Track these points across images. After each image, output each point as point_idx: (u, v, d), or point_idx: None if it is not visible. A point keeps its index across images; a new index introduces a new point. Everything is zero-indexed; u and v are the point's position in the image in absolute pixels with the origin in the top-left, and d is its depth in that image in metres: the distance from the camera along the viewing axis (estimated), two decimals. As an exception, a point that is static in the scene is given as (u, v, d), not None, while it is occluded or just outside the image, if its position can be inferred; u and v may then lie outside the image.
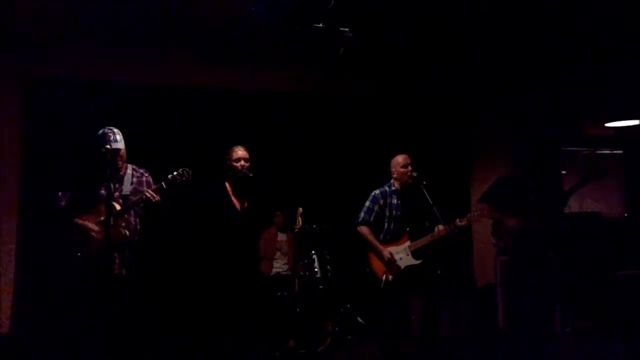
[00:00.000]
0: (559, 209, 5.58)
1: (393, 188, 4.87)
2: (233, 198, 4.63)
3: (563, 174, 7.17)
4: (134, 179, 4.17)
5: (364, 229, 4.85)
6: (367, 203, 4.88)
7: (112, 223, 3.81)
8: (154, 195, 3.99)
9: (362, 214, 4.88)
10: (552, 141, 7.18)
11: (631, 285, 6.16)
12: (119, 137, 4.03)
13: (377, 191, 4.88)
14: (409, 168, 4.76)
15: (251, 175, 4.56)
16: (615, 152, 8.01)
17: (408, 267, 4.71)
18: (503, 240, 5.50)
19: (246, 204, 4.64)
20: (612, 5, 4.90)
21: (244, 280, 4.64)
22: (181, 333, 5.25)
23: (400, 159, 4.85)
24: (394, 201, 4.82)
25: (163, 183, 4.08)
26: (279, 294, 5.69)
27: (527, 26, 5.34)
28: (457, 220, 4.69)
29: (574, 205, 7.06)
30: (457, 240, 4.87)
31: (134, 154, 4.53)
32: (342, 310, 5.72)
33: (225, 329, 4.50)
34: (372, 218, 4.84)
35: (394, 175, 4.87)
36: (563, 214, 5.75)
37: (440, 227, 4.61)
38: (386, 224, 4.82)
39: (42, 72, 5.57)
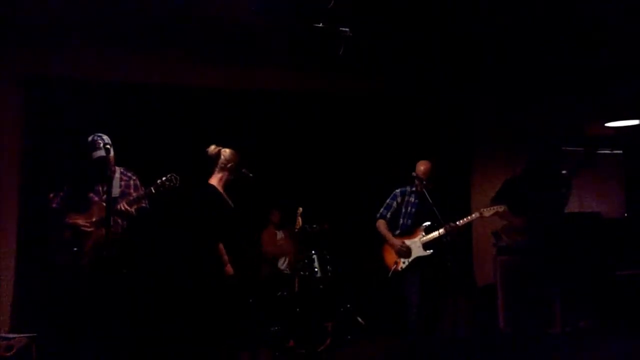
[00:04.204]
0: (560, 208, 5.60)
1: (414, 188, 5.07)
2: (228, 198, 4.64)
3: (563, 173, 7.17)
4: (122, 182, 4.26)
5: (380, 223, 5.12)
6: (388, 199, 5.16)
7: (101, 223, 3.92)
8: (128, 209, 4.11)
9: (381, 210, 5.15)
10: (552, 141, 7.19)
11: (631, 285, 6.17)
12: (107, 145, 4.08)
13: (398, 190, 5.14)
14: (423, 183, 4.90)
15: (251, 175, 4.57)
16: (615, 152, 8.01)
17: (418, 258, 4.91)
18: (510, 238, 5.53)
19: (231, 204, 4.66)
20: (611, 5, 4.91)
21: (246, 280, 4.66)
22: (181, 333, 5.24)
23: (421, 167, 4.98)
24: (412, 199, 5.06)
25: (152, 188, 4.14)
26: (279, 294, 5.69)
27: (526, 26, 5.34)
28: (458, 221, 4.87)
29: (574, 205, 7.08)
30: (458, 239, 4.99)
31: (133, 154, 4.55)
32: (342, 310, 5.73)
33: (226, 330, 4.50)
34: (389, 214, 5.11)
35: (415, 178, 5.04)
36: (564, 213, 5.77)
37: (446, 226, 4.82)
38: (401, 219, 5.07)
39: (42, 72, 5.57)
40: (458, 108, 6.96)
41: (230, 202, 4.53)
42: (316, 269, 5.75)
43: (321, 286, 5.70)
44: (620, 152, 8.02)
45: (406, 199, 5.07)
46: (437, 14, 5.04)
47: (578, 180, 6.67)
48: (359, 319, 5.78)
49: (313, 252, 5.83)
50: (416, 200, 5.04)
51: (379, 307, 5.91)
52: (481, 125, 7.13)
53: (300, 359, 5.27)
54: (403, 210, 5.07)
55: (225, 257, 4.31)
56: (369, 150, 6.46)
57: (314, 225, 5.81)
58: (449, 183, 6.28)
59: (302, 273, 5.70)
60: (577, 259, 5.98)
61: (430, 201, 4.78)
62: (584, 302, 6.12)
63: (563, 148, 7.43)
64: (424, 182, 4.90)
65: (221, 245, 4.32)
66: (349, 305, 5.78)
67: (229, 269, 4.31)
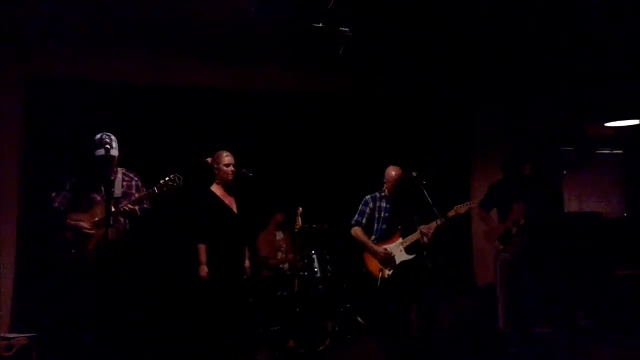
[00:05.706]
0: (558, 207, 5.60)
1: (383, 194, 5.21)
2: (225, 200, 4.67)
3: (563, 174, 7.17)
4: (125, 183, 4.27)
5: (356, 230, 5.21)
6: (360, 206, 5.25)
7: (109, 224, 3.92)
8: (133, 208, 4.11)
9: (355, 216, 5.24)
10: (552, 141, 7.18)
11: (631, 285, 6.17)
12: (114, 144, 4.09)
13: (368, 196, 5.24)
14: (396, 190, 5.06)
15: (251, 175, 4.60)
16: (615, 152, 8.01)
17: (403, 263, 4.99)
18: (511, 248, 5.43)
19: (234, 206, 4.68)
20: (611, 5, 4.91)
21: (246, 281, 4.69)
22: (181, 333, 5.25)
23: (392, 173, 5.11)
24: (383, 204, 5.17)
25: (155, 188, 4.14)
26: (279, 294, 5.68)
27: (526, 26, 5.34)
28: (447, 213, 4.95)
29: (574, 205, 7.08)
30: (452, 234, 5.19)
31: (133, 154, 4.54)
32: (342, 310, 5.72)
33: (226, 330, 4.51)
34: (364, 220, 5.20)
35: (385, 184, 5.18)
36: (563, 212, 5.76)
37: (431, 224, 4.87)
38: (376, 225, 5.17)
39: (42, 72, 5.57)
40: (458, 108, 6.96)
41: (231, 206, 4.57)
42: (316, 269, 5.75)
43: (321, 286, 5.70)
44: (620, 152, 8.03)
45: (377, 204, 5.18)
46: (437, 14, 5.04)
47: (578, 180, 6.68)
48: (359, 319, 5.78)
49: (313, 252, 5.83)
50: (387, 205, 5.14)
51: (379, 307, 5.90)
52: (481, 125, 7.12)
53: (300, 359, 5.27)
54: (377, 215, 5.16)
55: (203, 259, 4.36)
56: (369, 150, 6.45)
57: (314, 225, 5.81)
58: (449, 183, 6.31)
59: (302, 273, 5.69)
60: (577, 259, 5.98)
61: (433, 202, 4.77)
62: (584, 302, 6.12)
63: (563, 148, 7.43)
64: (394, 187, 5.03)
65: (202, 247, 4.39)
66: (349, 305, 5.78)
67: (203, 271, 4.35)
